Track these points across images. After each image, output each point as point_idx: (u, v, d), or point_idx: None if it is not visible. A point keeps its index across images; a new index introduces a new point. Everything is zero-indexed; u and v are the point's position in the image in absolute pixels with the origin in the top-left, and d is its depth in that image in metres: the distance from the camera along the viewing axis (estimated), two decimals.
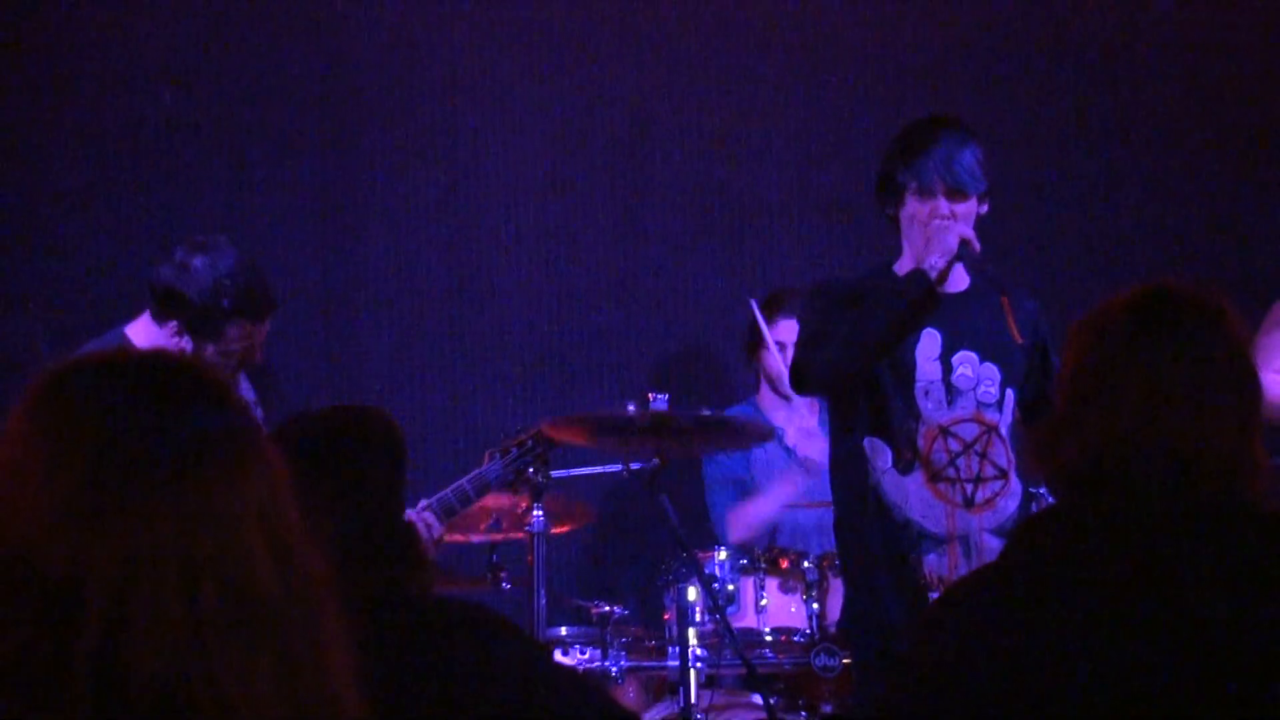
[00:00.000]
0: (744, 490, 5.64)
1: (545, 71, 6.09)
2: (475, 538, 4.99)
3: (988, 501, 4.25)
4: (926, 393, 4.26)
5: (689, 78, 6.19)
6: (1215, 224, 6.26)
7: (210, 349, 4.57)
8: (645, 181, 6.18)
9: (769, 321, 5.59)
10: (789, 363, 5.18)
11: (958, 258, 4.18)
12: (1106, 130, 6.31)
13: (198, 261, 4.54)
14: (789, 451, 5.60)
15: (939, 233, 4.21)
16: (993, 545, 4.10)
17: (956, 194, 4.25)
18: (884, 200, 4.35)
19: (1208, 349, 2.22)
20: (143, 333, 4.60)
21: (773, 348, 5.56)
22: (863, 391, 4.25)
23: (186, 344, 4.57)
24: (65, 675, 1.49)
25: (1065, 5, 6.31)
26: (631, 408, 4.51)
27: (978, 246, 4.21)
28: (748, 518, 5.47)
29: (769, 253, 6.22)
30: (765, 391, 5.71)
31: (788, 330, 5.44)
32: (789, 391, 5.26)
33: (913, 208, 4.29)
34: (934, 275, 4.15)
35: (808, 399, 5.40)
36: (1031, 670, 2.08)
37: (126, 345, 4.43)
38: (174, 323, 4.57)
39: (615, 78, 6.15)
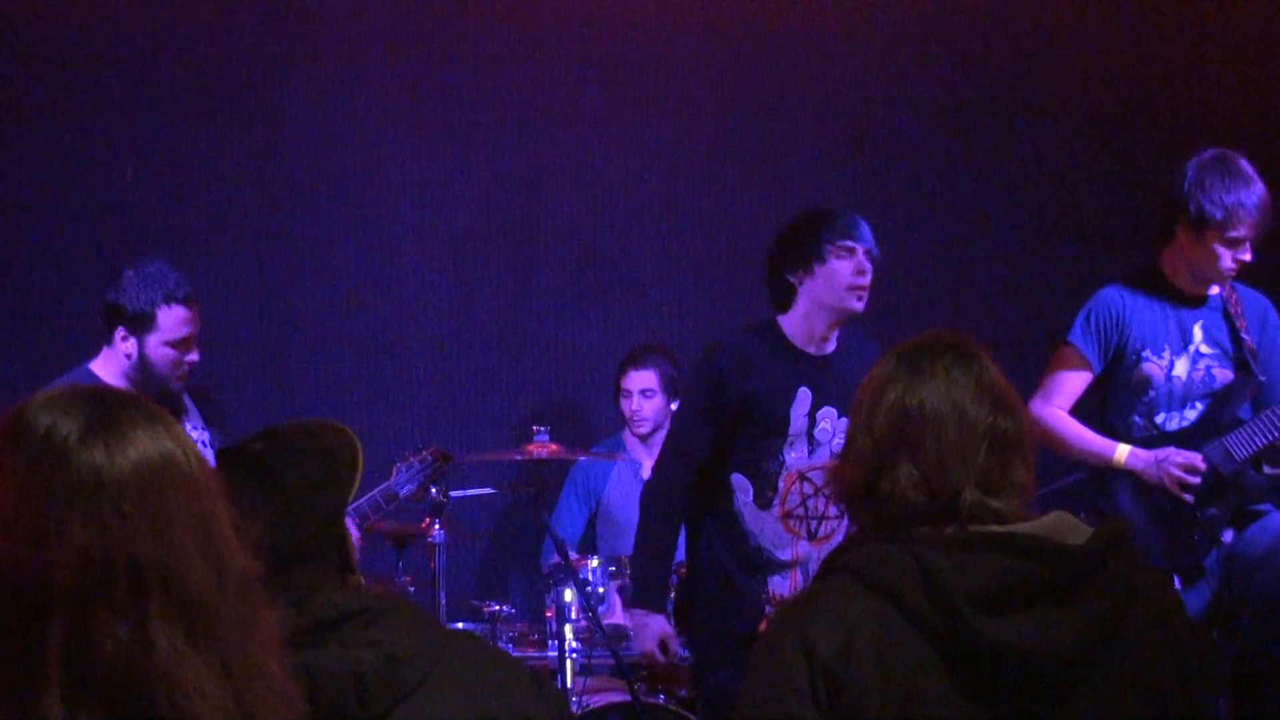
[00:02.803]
0: (591, 506, 5.88)
1: (450, 151, 6.32)
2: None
3: (826, 536, 4.51)
4: (792, 444, 4.48)
5: (574, 157, 6.43)
6: (1011, 288, 6.62)
7: (152, 341, 4.69)
8: (534, 247, 6.41)
9: (622, 373, 5.91)
10: (634, 408, 5.70)
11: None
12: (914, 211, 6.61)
13: (126, 272, 4.74)
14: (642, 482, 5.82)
15: None
16: None
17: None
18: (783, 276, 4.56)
19: (956, 384, 2.32)
20: (102, 363, 4.77)
21: (625, 395, 5.86)
22: (738, 438, 4.48)
23: (133, 346, 4.70)
24: (41, 665, 1.60)
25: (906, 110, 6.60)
26: (518, 457, 4.87)
27: None
28: None
29: (638, 310, 6.46)
30: (627, 429, 6.01)
31: (638, 380, 5.82)
32: (642, 431, 5.76)
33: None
34: None
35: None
36: (835, 669, 2.20)
37: (92, 378, 4.65)
38: (120, 329, 4.70)
39: (510, 156, 6.38)
